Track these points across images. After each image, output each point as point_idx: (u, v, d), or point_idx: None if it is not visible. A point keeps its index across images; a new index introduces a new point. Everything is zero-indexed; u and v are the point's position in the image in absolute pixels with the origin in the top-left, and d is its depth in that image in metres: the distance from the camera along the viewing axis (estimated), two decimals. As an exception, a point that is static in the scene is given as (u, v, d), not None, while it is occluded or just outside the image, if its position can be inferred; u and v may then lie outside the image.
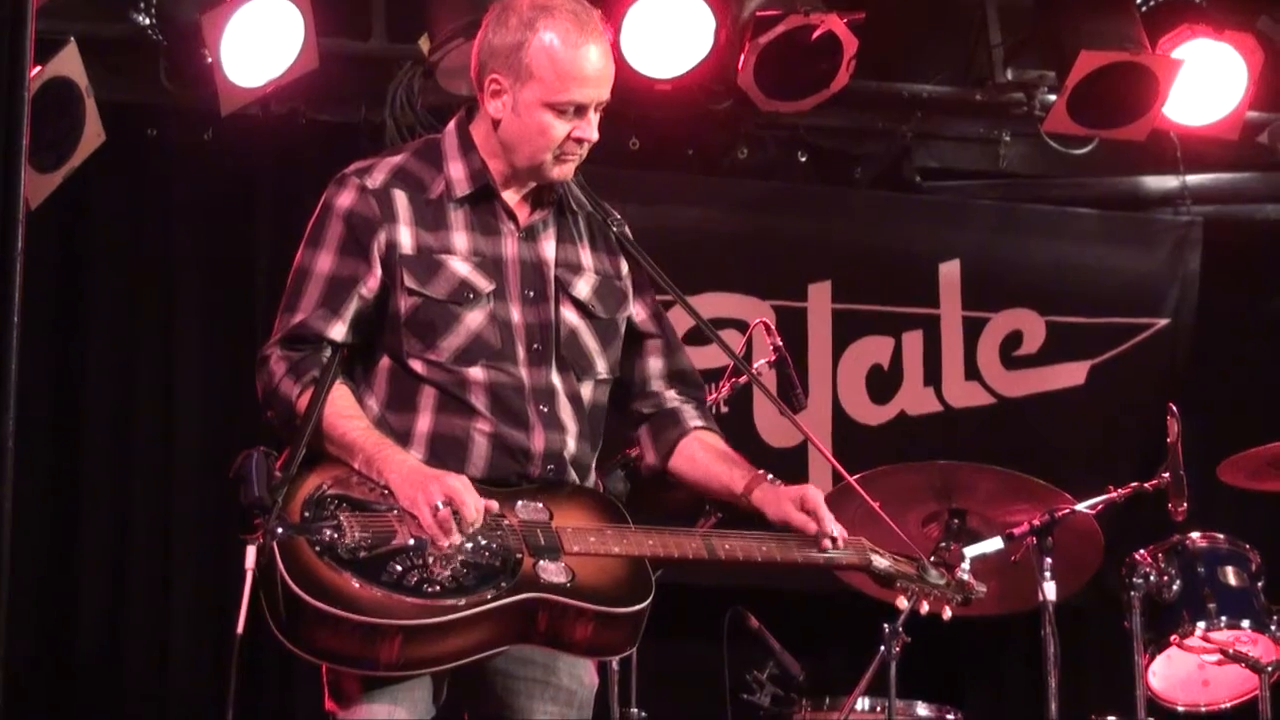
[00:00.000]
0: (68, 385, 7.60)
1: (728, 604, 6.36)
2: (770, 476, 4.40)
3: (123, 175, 7.63)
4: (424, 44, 7.44)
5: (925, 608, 4.53)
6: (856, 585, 4.94)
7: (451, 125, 4.43)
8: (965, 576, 4.56)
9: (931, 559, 4.56)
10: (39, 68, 6.59)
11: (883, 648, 5.93)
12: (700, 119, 8.11)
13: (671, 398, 4.53)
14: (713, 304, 8.03)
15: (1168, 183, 8.65)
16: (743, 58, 7.48)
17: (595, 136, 4.32)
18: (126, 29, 7.34)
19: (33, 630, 7.40)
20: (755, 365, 6.18)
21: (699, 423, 4.52)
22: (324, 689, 4.18)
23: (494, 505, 4.12)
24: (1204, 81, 7.78)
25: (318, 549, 3.98)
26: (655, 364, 4.53)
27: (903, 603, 4.55)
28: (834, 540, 4.32)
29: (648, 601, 4.19)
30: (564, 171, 4.34)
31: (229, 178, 7.84)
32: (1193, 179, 8.60)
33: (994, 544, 5.51)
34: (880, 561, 4.46)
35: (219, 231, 7.88)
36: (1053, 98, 7.92)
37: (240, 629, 3.90)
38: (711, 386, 6.73)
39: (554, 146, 4.27)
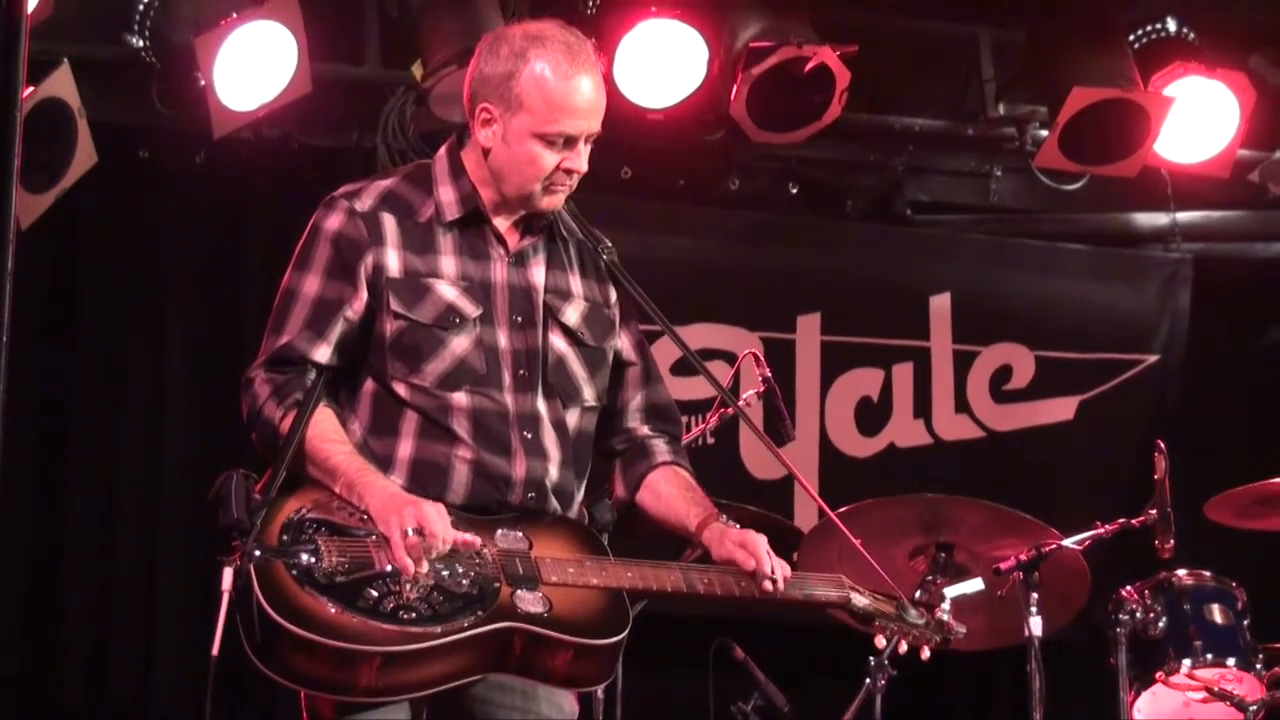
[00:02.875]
0: (57, 405, 7.58)
1: (714, 634, 6.36)
2: (724, 518, 4.40)
3: (114, 197, 7.63)
4: (417, 70, 7.45)
5: (904, 647, 4.55)
6: (842, 619, 4.94)
7: (443, 150, 4.42)
8: (945, 617, 4.58)
9: (918, 595, 4.57)
10: (31, 88, 6.59)
11: (868, 680, 5.93)
12: (692, 149, 8.12)
13: (645, 431, 4.53)
14: (701, 335, 8.03)
15: (1158, 219, 8.67)
16: (735, 88, 7.49)
17: (584, 168, 4.31)
18: (120, 51, 7.35)
19: (16, 645, 7.39)
20: (743, 396, 6.18)
21: (667, 458, 4.51)
22: (303, 713, 4.18)
23: (474, 540, 4.11)
24: (1196, 119, 7.80)
25: (295, 573, 3.97)
26: (633, 396, 4.52)
27: (881, 641, 4.56)
28: (774, 582, 4.30)
29: (624, 634, 4.18)
30: (553, 202, 4.33)
31: (220, 201, 7.84)
32: (1183, 216, 8.62)
33: (974, 585, 5.52)
34: (860, 599, 4.47)
35: (210, 254, 7.88)
36: (1044, 133, 7.94)
37: (215, 650, 3.89)
38: (699, 418, 6.75)
39: (543, 177, 4.26)
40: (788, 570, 4.34)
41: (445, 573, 4.06)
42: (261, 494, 4.00)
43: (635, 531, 4.54)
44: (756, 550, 4.30)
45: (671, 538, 4.48)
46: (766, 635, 6.66)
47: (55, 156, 6.89)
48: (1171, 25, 7.88)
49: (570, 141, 4.26)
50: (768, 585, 4.29)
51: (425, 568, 4.02)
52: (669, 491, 4.46)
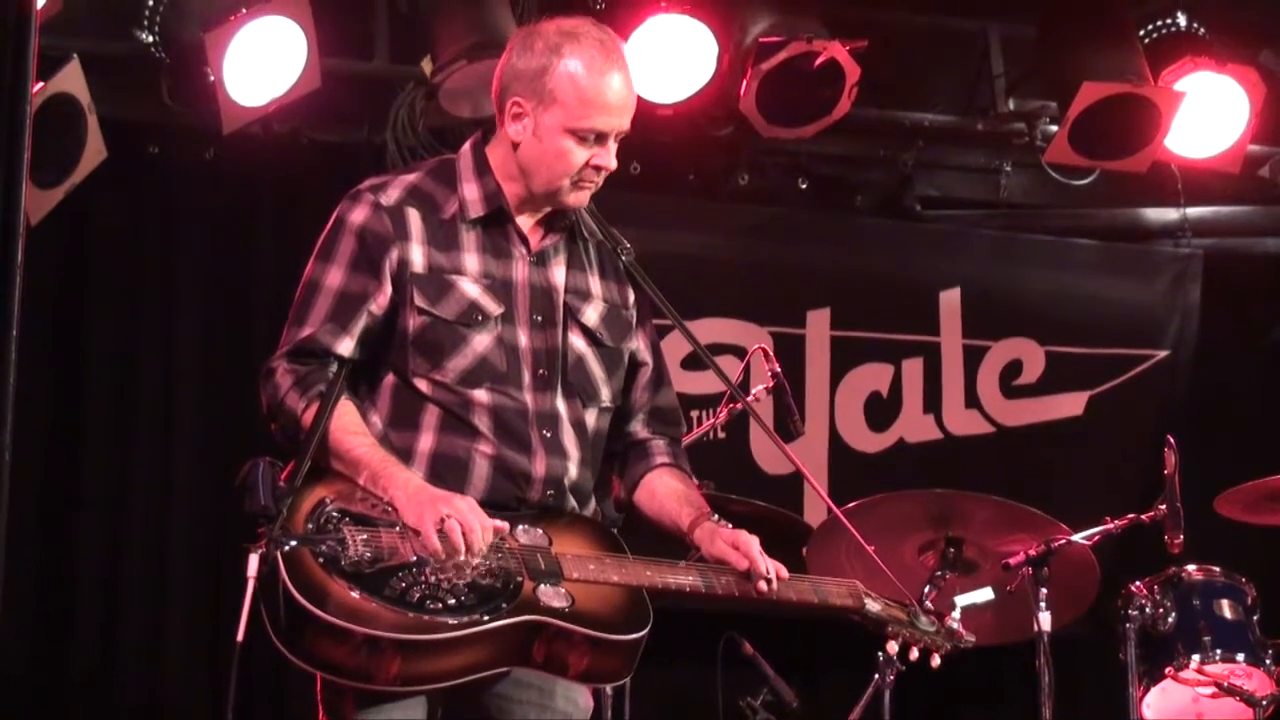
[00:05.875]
0: (67, 400, 7.59)
1: (723, 630, 6.36)
2: (716, 517, 4.40)
3: (124, 192, 7.64)
4: (426, 66, 7.45)
5: (914, 654, 4.57)
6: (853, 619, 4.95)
7: (467, 146, 4.43)
8: (955, 625, 4.61)
9: (927, 590, 4.57)
10: (41, 84, 6.60)
11: (876, 676, 5.93)
12: (702, 144, 8.12)
13: (646, 433, 4.55)
14: (711, 329, 8.03)
15: (1168, 215, 8.67)
16: (745, 83, 7.49)
17: (613, 165, 4.33)
18: (129, 47, 7.35)
19: (29, 637, 7.40)
20: (753, 391, 6.18)
21: (665, 459, 4.53)
22: (318, 705, 4.18)
23: (503, 526, 4.13)
24: (1206, 114, 7.79)
25: (321, 560, 3.98)
26: (641, 398, 4.54)
27: (893, 647, 4.56)
28: (769, 582, 4.31)
29: (645, 630, 4.19)
30: (580, 198, 4.34)
31: (230, 196, 7.85)
32: (1193, 211, 8.62)
33: (985, 594, 5.50)
34: (873, 605, 4.49)
35: (219, 250, 7.89)
36: (1054, 128, 7.94)
37: (240, 636, 3.89)
38: (710, 411, 6.75)
39: (572, 172, 4.28)
40: (783, 570, 4.34)
41: (470, 565, 4.07)
42: (287, 482, 4.01)
43: (638, 529, 4.55)
44: (749, 550, 4.31)
45: (669, 538, 4.49)
46: (776, 630, 6.66)
47: (65, 152, 6.90)
48: (1182, 20, 7.87)
49: (601, 138, 4.28)
50: (763, 585, 4.30)
51: (460, 558, 4.03)
52: (664, 491, 4.48)
